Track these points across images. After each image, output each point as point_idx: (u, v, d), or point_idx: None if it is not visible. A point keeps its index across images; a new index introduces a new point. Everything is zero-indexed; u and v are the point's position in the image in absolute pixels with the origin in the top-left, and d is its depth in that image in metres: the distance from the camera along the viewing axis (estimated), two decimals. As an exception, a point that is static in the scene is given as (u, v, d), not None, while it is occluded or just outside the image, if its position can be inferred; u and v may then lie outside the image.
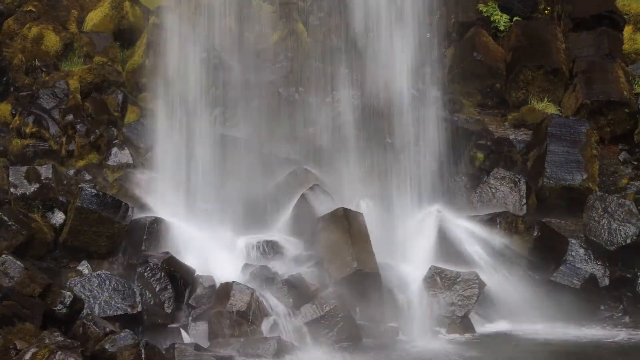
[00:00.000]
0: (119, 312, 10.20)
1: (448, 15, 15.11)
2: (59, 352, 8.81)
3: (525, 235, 12.26)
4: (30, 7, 14.04)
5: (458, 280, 11.38)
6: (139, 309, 10.30)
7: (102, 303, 10.21)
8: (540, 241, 12.20)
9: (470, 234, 12.15)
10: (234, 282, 10.79)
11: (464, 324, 11.28)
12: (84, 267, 11.00)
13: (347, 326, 10.70)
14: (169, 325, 10.65)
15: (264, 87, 13.47)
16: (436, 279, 11.41)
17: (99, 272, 10.57)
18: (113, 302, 10.23)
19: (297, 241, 11.95)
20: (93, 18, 14.27)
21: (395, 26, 13.37)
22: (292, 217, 12.16)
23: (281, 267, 11.42)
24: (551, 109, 14.01)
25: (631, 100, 13.71)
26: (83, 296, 10.15)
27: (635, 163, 13.47)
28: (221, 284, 10.91)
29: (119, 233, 11.25)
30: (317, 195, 12.16)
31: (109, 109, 13.12)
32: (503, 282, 11.82)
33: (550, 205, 12.78)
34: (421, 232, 12.30)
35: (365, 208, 12.25)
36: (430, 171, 12.97)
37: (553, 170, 12.77)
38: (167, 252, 11.20)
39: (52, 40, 13.74)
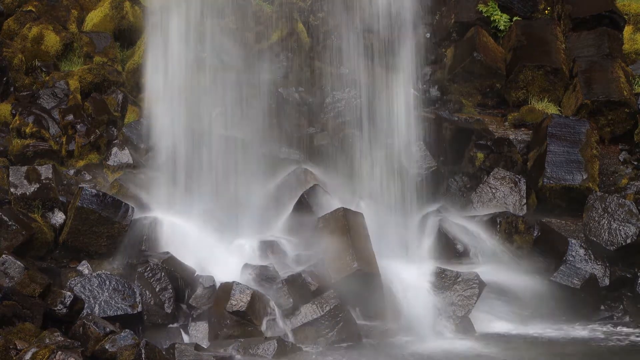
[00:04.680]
0: (119, 312, 10.20)
1: (448, 15, 15.11)
2: (59, 352, 8.81)
3: (525, 235, 12.26)
4: (30, 7, 14.04)
5: (458, 280, 11.38)
6: (139, 309, 10.30)
7: (102, 303, 10.21)
8: (540, 241, 12.20)
9: (471, 234, 12.15)
10: (234, 282, 10.79)
11: (464, 324, 11.28)
12: (84, 267, 11.00)
13: (347, 326, 10.70)
14: (169, 325, 10.65)
15: (264, 87, 13.47)
16: (436, 279, 11.41)
17: (99, 272, 10.57)
18: (113, 302, 10.23)
19: (297, 241, 11.95)
20: (93, 18, 14.27)
21: (395, 26, 13.36)
22: (292, 217, 12.16)
23: (281, 267, 11.42)
24: (551, 109, 14.01)
25: (631, 100, 13.71)
26: (83, 296, 10.15)
27: (635, 163, 13.47)
28: (221, 284, 10.91)
29: (119, 233, 11.25)
30: (317, 195, 12.16)
31: (109, 109, 13.12)
32: (503, 282, 11.82)
33: (550, 205, 12.79)
34: (421, 232, 12.30)
35: (365, 208, 12.25)
36: (430, 171, 12.97)
37: (553, 170, 12.78)
38: (167, 252, 11.20)
39: (52, 40, 13.74)
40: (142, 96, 13.55)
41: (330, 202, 12.07)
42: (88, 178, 12.27)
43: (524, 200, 12.68)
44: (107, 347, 9.28)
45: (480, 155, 13.31)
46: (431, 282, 11.39)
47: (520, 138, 13.71)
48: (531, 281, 11.91)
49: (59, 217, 11.46)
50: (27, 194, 11.45)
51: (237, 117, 13.14)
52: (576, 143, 13.01)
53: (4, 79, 13.13)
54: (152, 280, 10.77)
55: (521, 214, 12.50)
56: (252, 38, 13.95)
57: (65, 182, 11.99)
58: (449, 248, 12.05)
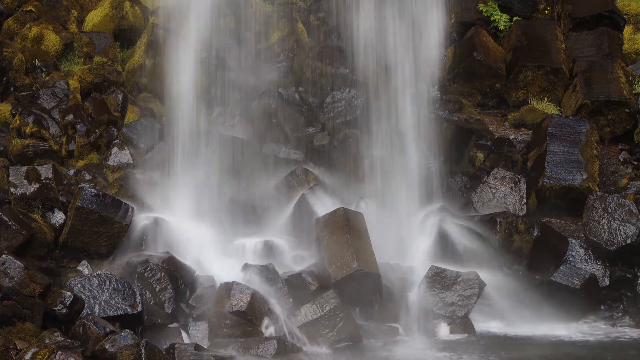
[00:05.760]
0: (119, 312, 10.20)
1: (448, 15, 15.10)
2: (59, 352, 8.81)
3: (525, 235, 12.26)
4: (30, 7, 14.05)
5: (458, 280, 11.38)
6: (139, 309, 10.30)
7: (102, 303, 10.21)
8: (540, 241, 12.20)
9: (471, 234, 12.15)
10: (234, 282, 10.80)
11: (464, 324, 11.28)
12: (84, 267, 11.01)
13: (347, 326, 10.70)
14: (169, 325, 10.65)
15: (264, 87, 13.48)
16: (436, 279, 11.41)
17: (99, 272, 10.56)
18: (113, 302, 10.23)
19: (297, 241, 11.96)
20: (93, 18, 14.28)
21: (395, 26, 13.36)
22: (292, 217, 12.16)
23: (281, 267, 11.43)
24: (551, 109, 14.01)
25: (631, 100, 13.71)
26: (83, 296, 10.15)
27: (635, 163, 13.47)
28: (221, 284, 10.91)
29: (119, 233, 11.26)
30: (317, 195, 12.17)
31: (109, 109, 13.13)
32: (503, 282, 11.83)
33: (550, 205, 12.78)
34: (421, 232, 12.30)
35: (365, 208, 12.25)
36: (430, 171, 12.97)
37: (553, 170, 12.78)
38: (167, 252, 11.21)
39: (52, 40, 13.75)
40: (142, 96, 13.56)
41: (330, 202, 12.08)
42: (88, 178, 12.27)
43: (524, 200, 12.68)
44: (107, 347, 9.28)
45: (480, 155, 13.32)
46: (431, 282, 11.39)
47: (520, 138, 13.71)
48: (531, 281, 11.91)
49: (59, 217, 11.46)
50: (27, 194, 11.45)
51: (237, 117, 13.14)
52: (576, 143, 13.01)
53: (4, 79, 13.13)
54: (152, 280, 10.77)
55: (521, 214, 12.51)
56: (252, 38, 13.95)
57: (65, 182, 12.00)
58: (449, 248, 12.05)
